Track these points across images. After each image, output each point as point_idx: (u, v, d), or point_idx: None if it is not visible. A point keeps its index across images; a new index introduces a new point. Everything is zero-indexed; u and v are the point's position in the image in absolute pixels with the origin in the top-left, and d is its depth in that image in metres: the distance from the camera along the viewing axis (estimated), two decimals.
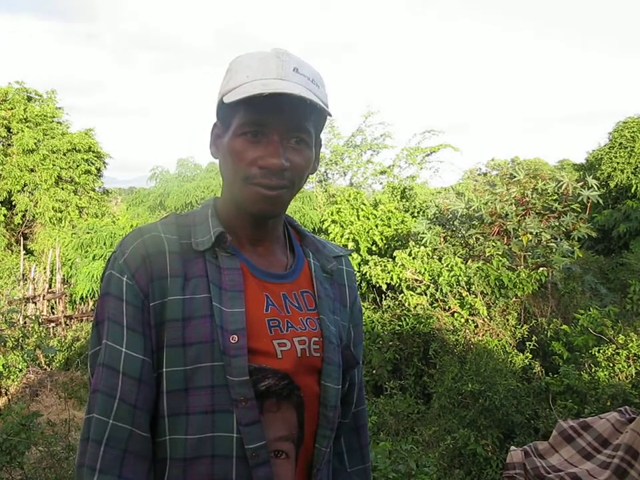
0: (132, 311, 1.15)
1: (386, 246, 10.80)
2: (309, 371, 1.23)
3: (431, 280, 8.21)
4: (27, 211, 17.85)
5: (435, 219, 9.84)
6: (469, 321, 7.58)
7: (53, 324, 12.32)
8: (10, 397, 7.59)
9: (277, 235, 1.33)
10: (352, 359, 1.32)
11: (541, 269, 7.84)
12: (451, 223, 9.53)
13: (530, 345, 6.87)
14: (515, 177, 8.95)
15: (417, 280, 8.30)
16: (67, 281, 14.02)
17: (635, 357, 5.84)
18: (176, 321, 1.15)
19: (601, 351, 6.00)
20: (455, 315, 7.70)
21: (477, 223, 8.92)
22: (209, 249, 1.21)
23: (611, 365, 5.82)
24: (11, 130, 18.07)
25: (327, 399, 1.23)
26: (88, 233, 14.39)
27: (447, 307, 7.86)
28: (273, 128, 1.17)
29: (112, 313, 1.16)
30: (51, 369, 9.50)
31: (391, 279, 8.53)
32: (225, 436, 1.13)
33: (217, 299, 1.17)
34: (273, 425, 1.16)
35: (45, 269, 14.01)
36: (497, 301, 7.71)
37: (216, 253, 1.22)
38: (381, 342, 7.59)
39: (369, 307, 8.95)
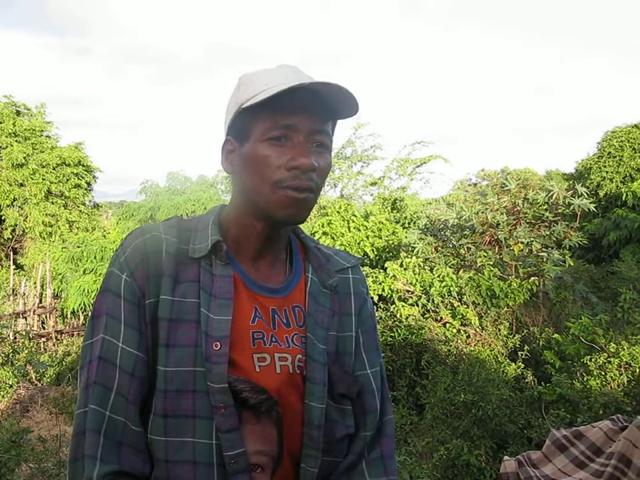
0: (129, 307, 1.17)
1: (377, 257, 10.81)
2: (291, 388, 1.22)
3: (422, 291, 8.21)
4: (16, 225, 17.78)
5: (426, 230, 9.86)
6: (461, 331, 7.57)
7: (43, 339, 12.26)
8: (0, 413, 7.52)
9: (281, 248, 1.32)
10: (342, 374, 1.29)
11: (532, 278, 7.86)
12: (442, 233, 9.55)
13: (522, 354, 6.86)
14: (505, 186, 8.99)
15: (408, 291, 8.30)
16: (58, 296, 13.97)
17: (626, 365, 5.85)
18: (164, 320, 1.17)
19: (593, 360, 6.00)
20: (447, 325, 7.69)
21: (468, 233, 8.94)
22: (204, 256, 1.22)
23: (603, 373, 5.81)
24: (0, 144, 18.03)
25: (310, 418, 1.22)
26: (78, 247, 14.37)
27: (438, 318, 7.85)
28: (298, 130, 1.17)
29: (110, 308, 1.18)
30: (42, 385, 9.43)
31: (383, 290, 8.52)
32: (204, 442, 1.14)
33: (205, 305, 1.18)
34: (251, 437, 1.16)
35: (35, 283, 13.95)
36: (488, 311, 7.71)
37: (211, 260, 1.22)
38: None
39: None
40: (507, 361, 6.93)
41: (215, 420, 1.13)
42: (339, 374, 1.28)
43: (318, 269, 1.34)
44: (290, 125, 1.16)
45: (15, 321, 11.97)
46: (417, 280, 8.27)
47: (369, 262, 10.73)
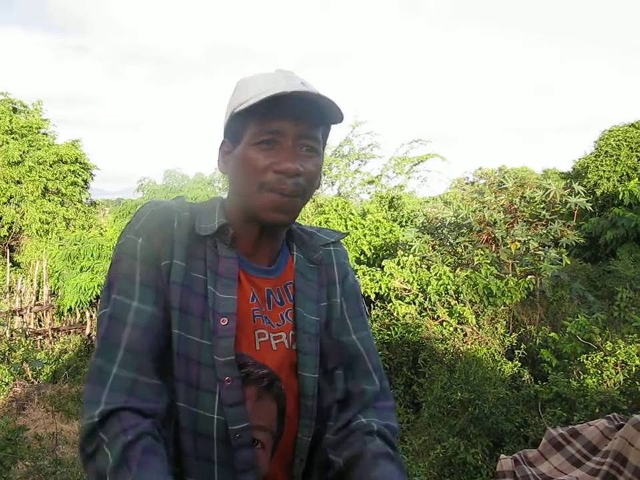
0: (145, 268, 1.19)
1: (374, 255, 10.81)
2: (287, 364, 1.26)
3: (419, 289, 8.21)
4: (13, 222, 17.72)
5: (423, 228, 9.86)
6: (458, 329, 7.58)
7: (40, 336, 12.24)
8: None
9: (279, 242, 1.35)
10: (333, 342, 1.34)
11: (529, 276, 7.86)
12: (439, 231, 9.55)
13: (519, 352, 6.87)
14: (503, 184, 8.99)
15: (405, 289, 8.30)
16: (54, 293, 13.94)
17: (622, 364, 5.86)
18: (176, 285, 1.19)
19: (589, 358, 6.01)
20: (444, 323, 7.70)
21: (465, 231, 8.95)
22: (210, 235, 1.25)
23: (599, 372, 5.82)
24: None
25: (304, 388, 1.26)
26: (75, 244, 14.33)
27: (435, 316, 7.86)
28: (285, 135, 1.20)
29: (125, 271, 1.19)
30: (38, 382, 9.43)
31: (380, 288, 8.52)
32: (207, 415, 1.16)
33: (212, 283, 1.21)
34: (252, 413, 1.18)
35: (31, 281, 13.93)
36: (485, 310, 7.72)
37: (216, 241, 1.26)
38: None
39: None
40: (504, 359, 6.93)
41: (220, 394, 1.15)
42: (330, 342, 1.34)
43: (302, 246, 1.39)
44: (277, 130, 1.20)
45: (12, 318, 11.96)
46: (413, 278, 8.27)
47: (366, 260, 10.73)
